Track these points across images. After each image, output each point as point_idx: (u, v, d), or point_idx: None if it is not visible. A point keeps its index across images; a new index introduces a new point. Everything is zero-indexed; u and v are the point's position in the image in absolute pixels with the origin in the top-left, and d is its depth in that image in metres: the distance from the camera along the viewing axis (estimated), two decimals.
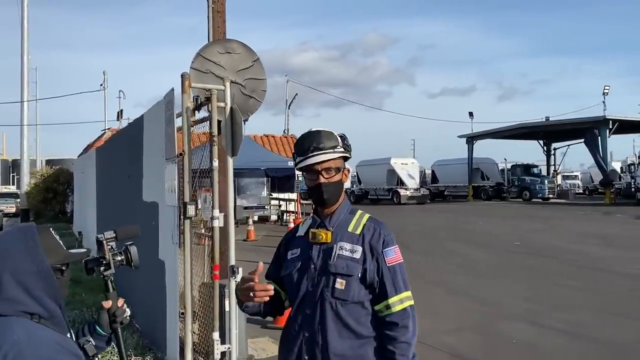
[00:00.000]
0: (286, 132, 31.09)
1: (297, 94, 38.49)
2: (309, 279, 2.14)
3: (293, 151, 2.24)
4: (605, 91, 37.31)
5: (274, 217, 21.67)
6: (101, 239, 1.93)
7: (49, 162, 32.75)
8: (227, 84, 5.21)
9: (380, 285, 2.11)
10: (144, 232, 6.71)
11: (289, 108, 36.19)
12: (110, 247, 1.94)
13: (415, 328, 2.12)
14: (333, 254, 2.12)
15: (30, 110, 26.86)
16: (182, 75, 5.09)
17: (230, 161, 5.17)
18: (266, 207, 21.27)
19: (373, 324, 2.13)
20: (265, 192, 21.25)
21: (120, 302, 1.96)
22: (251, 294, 2.04)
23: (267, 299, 2.06)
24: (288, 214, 20.78)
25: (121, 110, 27.95)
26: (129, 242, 2.01)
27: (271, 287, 2.06)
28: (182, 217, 5.00)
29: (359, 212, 2.26)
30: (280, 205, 21.76)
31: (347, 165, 2.30)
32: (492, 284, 9.40)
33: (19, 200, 26.35)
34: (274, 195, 21.73)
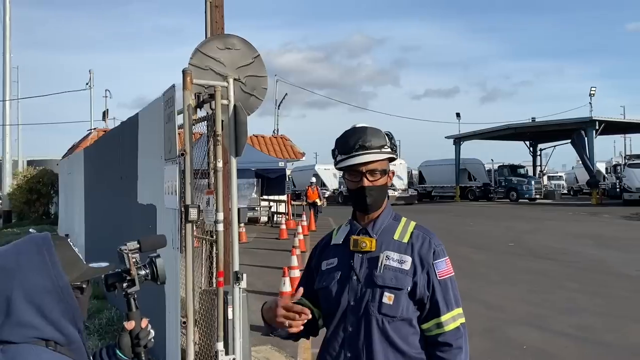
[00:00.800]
0: (276, 132, 30.77)
1: (286, 93, 38.28)
2: (351, 292, 1.92)
3: (333, 147, 2.00)
4: (592, 92, 37.65)
5: (264, 219, 21.36)
6: (125, 250, 1.67)
7: (30, 163, 32.00)
8: (231, 80, 4.97)
9: (430, 300, 1.90)
10: (140, 236, 6.48)
11: (278, 108, 35.91)
12: (135, 260, 1.68)
13: (467, 348, 1.91)
14: (379, 263, 1.90)
15: (13, 110, 26.22)
16: (184, 71, 4.82)
17: (234, 162, 4.92)
18: (256, 208, 20.96)
19: (421, 343, 1.92)
20: (255, 193, 20.95)
21: (145, 322, 1.71)
22: (287, 323, 1.81)
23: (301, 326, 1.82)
24: (279, 216, 20.48)
25: (107, 110, 27.42)
26: (154, 254, 1.75)
27: (309, 312, 1.82)
28: (183, 220, 4.74)
29: (404, 219, 2.04)
30: (270, 207, 21.45)
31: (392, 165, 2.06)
32: (494, 286, 9.24)
33: (0, 201, 25.70)
34: (264, 196, 21.43)
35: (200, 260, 5.95)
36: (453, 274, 1.96)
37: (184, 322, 4.83)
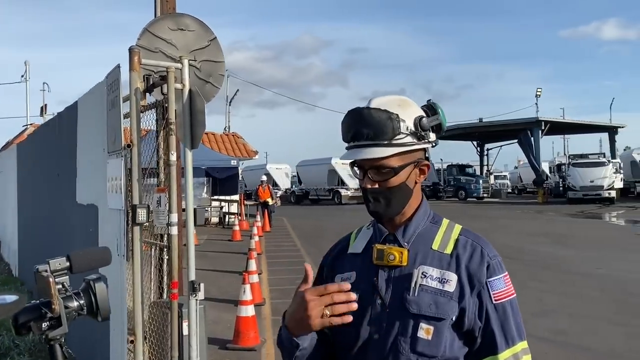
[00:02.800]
0: (227, 129, 29.84)
1: (238, 89, 37.36)
2: (374, 321, 1.42)
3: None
4: (538, 93, 38.66)
5: (215, 220, 20.51)
6: (44, 272, 1.08)
7: None
8: (185, 61, 4.36)
9: (483, 333, 1.41)
10: (79, 242, 5.73)
11: (229, 104, 34.89)
12: (61, 286, 1.09)
13: None
14: (413, 283, 1.40)
15: None
16: (131, 49, 4.17)
17: (190, 155, 4.30)
18: (207, 209, 20.09)
19: None
20: (205, 193, 20.07)
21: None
22: (325, 312, 1.31)
23: (350, 318, 1.33)
24: (231, 216, 19.70)
25: (45, 105, 25.75)
26: (94, 276, 1.16)
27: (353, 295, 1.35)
28: (130, 223, 4.09)
29: (446, 221, 1.53)
30: (222, 207, 20.63)
31: (426, 150, 1.51)
32: None
33: None
34: (216, 196, 20.58)
35: (149, 268, 5.30)
36: (514, 295, 1.45)
37: (132, 340, 4.18)
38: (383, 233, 1.49)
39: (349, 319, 1.31)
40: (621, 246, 13.20)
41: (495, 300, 1.41)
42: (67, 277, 1.14)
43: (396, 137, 1.40)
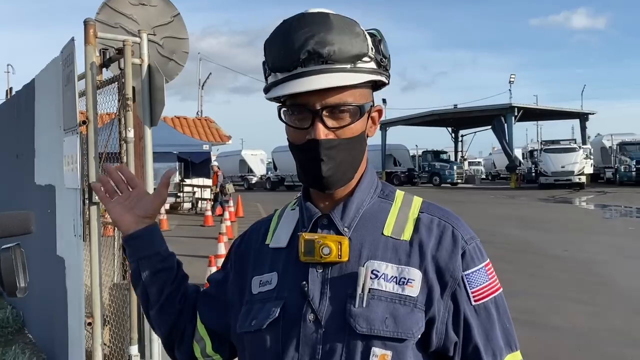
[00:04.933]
0: (200, 113, 29.48)
1: (210, 73, 36.92)
2: (304, 345, 1.00)
3: (264, 59, 1.05)
4: (512, 79, 39.03)
5: (187, 205, 20.28)
6: None
7: None
8: (144, 35, 4.21)
9: (463, 350, 1.03)
10: (37, 225, 5.58)
11: (202, 88, 34.45)
12: None
13: None
14: (359, 289, 1.00)
15: None
16: (86, 22, 4.01)
17: (149, 132, 4.18)
18: (178, 194, 19.85)
19: None
20: (177, 178, 19.81)
21: None
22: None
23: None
24: (203, 202, 19.48)
25: (10, 88, 25.02)
26: (12, 244, 1.06)
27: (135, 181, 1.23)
28: (86, 202, 3.97)
29: (400, 193, 1.12)
30: (194, 193, 20.40)
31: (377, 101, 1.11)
32: None
33: None
34: (187, 181, 20.33)
35: (112, 249, 5.18)
36: (501, 289, 1.08)
37: (90, 323, 4.08)
38: (313, 215, 1.07)
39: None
40: (589, 229, 13.46)
41: (476, 300, 1.02)
42: None
43: (364, 59, 1.00)
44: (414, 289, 0.99)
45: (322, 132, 0.98)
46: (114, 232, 5.10)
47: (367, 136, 1.08)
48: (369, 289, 0.99)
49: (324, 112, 0.98)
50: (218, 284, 1.20)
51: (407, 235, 1.04)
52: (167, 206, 18.05)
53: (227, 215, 13.35)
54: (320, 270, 1.02)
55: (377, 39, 1.04)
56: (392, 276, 1.00)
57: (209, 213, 16.14)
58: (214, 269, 6.06)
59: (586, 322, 6.00)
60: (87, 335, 4.14)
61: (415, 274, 1.00)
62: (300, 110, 1.00)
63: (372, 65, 1.02)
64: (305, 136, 1.00)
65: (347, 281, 1.00)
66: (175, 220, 16.39)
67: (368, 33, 1.04)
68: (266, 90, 1.05)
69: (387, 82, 1.06)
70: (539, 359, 4.81)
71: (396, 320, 0.97)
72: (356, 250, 1.02)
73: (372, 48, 1.01)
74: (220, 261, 7.46)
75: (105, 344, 4.44)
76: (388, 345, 0.96)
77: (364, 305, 0.98)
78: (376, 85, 1.07)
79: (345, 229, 1.04)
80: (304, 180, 1.07)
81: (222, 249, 7.80)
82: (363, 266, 1.00)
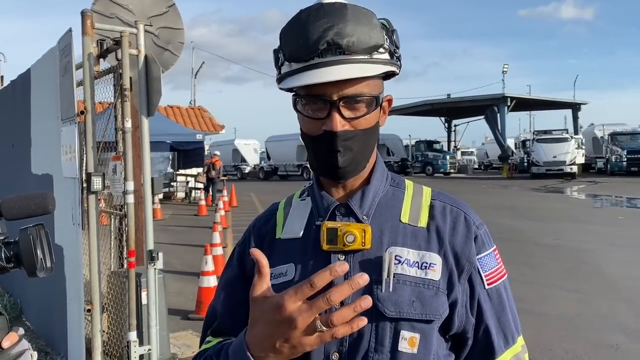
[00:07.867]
0: (193, 103, 29.34)
1: (203, 62, 36.65)
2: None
3: (276, 47, 1.06)
4: (505, 69, 39.12)
5: (181, 195, 20.31)
6: None
7: None
8: (141, 26, 4.24)
9: (476, 332, 1.06)
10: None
11: (195, 77, 34.27)
12: None
13: None
14: (384, 274, 1.01)
15: None
16: (83, 13, 4.04)
17: (146, 122, 4.23)
18: (172, 184, 19.87)
19: None
20: (170, 168, 19.81)
21: (14, 337, 0.95)
22: (318, 323, 0.83)
23: (365, 320, 0.85)
24: (197, 191, 19.52)
25: (1, 77, 24.83)
26: (33, 224, 1.10)
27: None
28: (85, 191, 4.03)
29: (410, 182, 1.15)
30: (188, 182, 20.43)
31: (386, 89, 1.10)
32: None
33: None
34: (181, 171, 20.34)
35: (109, 238, 5.25)
36: (507, 275, 1.11)
37: (89, 309, 4.15)
38: (330, 204, 1.08)
39: (364, 321, 0.84)
40: (579, 218, 13.62)
41: (488, 284, 1.05)
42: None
43: (380, 50, 1.01)
44: (436, 273, 1.02)
45: (339, 124, 0.99)
46: (111, 221, 5.18)
47: (378, 127, 1.09)
48: (394, 274, 1.01)
49: (341, 103, 0.99)
50: (233, 288, 1.14)
51: (423, 222, 1.07)
52: (160, 196, 18.08)
53: (221, 204, 13.43)
54: (343, 258, 1.03)
55: (390, 30, 1.04)
56: (414, 261, 1.02)
57: (203, 202, 16.20)
58: (209, 258, 6.14)
59: (574, 308, 6.14)
60: (86, 322, 4.22)
61: (436, 259, 1.03)
62: (315, 101, 1.01)
63: (387, 56, 1.03)
64: (320, 127, 1.01)
65: (372, 267, 1.01)
66: (169, 209, 16.44)
67: (381, 20, 1.05)
68: (280, 80, 1.04)
69: (398, 72, 1.08)
70: (527, 344, 4.92)
71: (423, 302, 1.00)
72: (377, 237, 1.04)
73: (387, 39, 1.02)
74: (216, 250, 7.53)
75: (104, 331, 4.52)
76: (416, 327, 0.99)
77: (391, 290, 1.00)
78: (386, 75, 1.07)
79: (364, 217, 1.06)
80: (318, 170, 1.09)
81: (217, 238, 7.88)
82: (386, 252, 1.02)
